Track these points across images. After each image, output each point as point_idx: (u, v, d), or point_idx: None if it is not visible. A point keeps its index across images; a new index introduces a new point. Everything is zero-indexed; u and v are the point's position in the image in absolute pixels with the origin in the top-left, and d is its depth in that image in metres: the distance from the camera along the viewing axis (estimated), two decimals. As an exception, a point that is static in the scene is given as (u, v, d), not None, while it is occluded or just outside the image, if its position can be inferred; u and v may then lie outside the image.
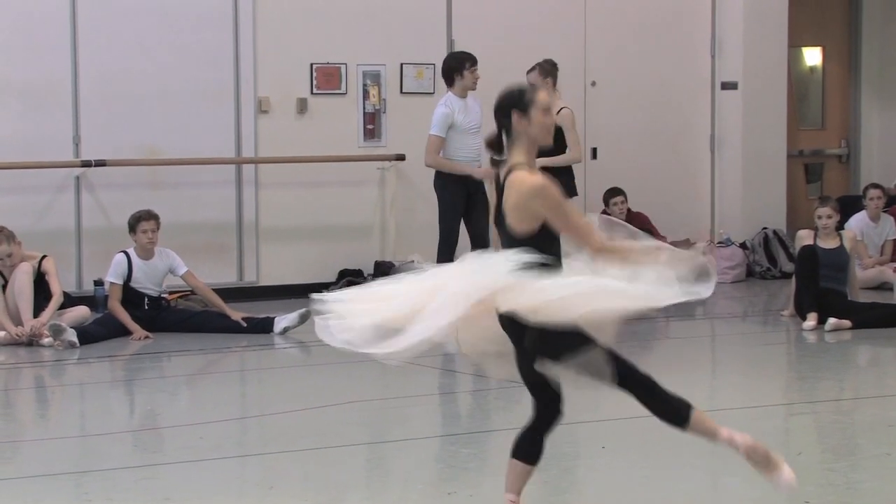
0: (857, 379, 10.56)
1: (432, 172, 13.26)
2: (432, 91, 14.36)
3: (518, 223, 5.56)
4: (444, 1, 14.51)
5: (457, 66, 12.07)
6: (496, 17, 14.57)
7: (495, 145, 5.79)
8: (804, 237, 12.36)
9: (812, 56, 17.03)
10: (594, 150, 15.03)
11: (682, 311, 13.56)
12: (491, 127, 12.50)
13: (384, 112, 14.29)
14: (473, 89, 12.09)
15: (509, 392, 9.80)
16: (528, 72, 12.23)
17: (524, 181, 5.56)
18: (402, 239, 14.26)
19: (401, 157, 14.12)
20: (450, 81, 12.16)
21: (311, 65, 14.01)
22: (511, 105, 5.69)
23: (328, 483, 7.14)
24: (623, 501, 6.71)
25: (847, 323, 11.74)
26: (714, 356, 11.77)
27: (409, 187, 14.23)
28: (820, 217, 12.21)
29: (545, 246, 5.54)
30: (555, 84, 12.11)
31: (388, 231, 14.31)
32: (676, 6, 15.58)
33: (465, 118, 12.00)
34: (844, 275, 12.17)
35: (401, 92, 14.36)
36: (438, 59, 14.30)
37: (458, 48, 13.76)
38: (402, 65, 14.32)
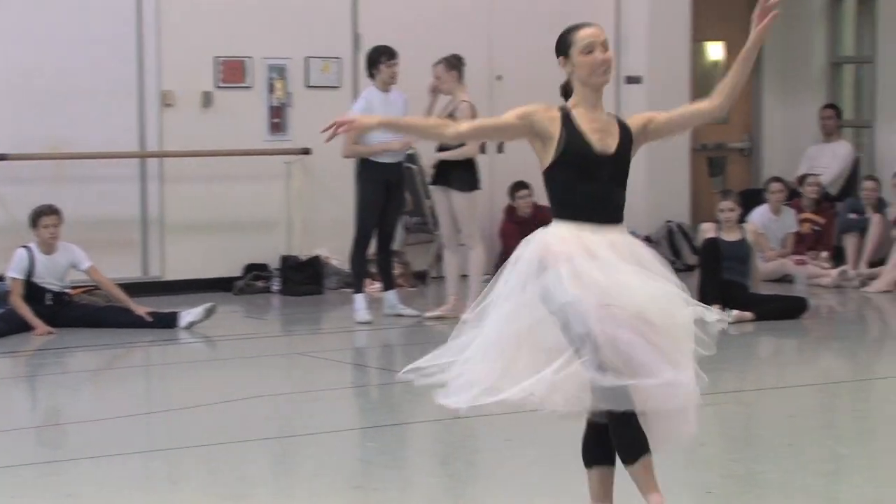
0: (759, 370, 10.68)
1: (339, 167, 13.25)
2: (339, 85, 14.33)
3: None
4: (349, -6, 14.49)
5: (375, 60, 12.06)
6: (402, 11, 14.55)
7: (563, 92, 5.67)
8: (707, 230, 12.50)
9: (715, 51, 17.19)
10: (500, 145, 15.06)
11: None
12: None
13: (290, 106, 14.24)
14: (393, 83, 12.05)
15: (415, 386, 9.82)
16: (435, 65, 12.24)
17: None
18: (309, 233, 14.23)
19: (307, 151, 14.07)
20: (371, 75, 12.14)
21: (216, 58, 13.93)
22: (556, 52, 5.62)
23: (234, 478, 7.12)
24: (525, 494, 6.74)
25: (749, 315, 11.89)
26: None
27: (315, 182, 14.20)
28: (722, 210, 12.35)
29: (559, 190, 5.45)
30: (460, 78, 12.11)
31: (294, 225, 14.26)
32: (581, 1, 15.66)
33: (385, 111, 11.91)
34: (747, 267, 12.30)
35: (307, 86, 14.31)
36: (344, 52, 14.32)
37: (364, 42, 13.75)
38: (307, 58, 14.28)
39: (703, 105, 5.76)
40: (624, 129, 5.52)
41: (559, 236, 5.36)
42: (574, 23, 5.67)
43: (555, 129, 5.43)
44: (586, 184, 5.40)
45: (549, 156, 5.43)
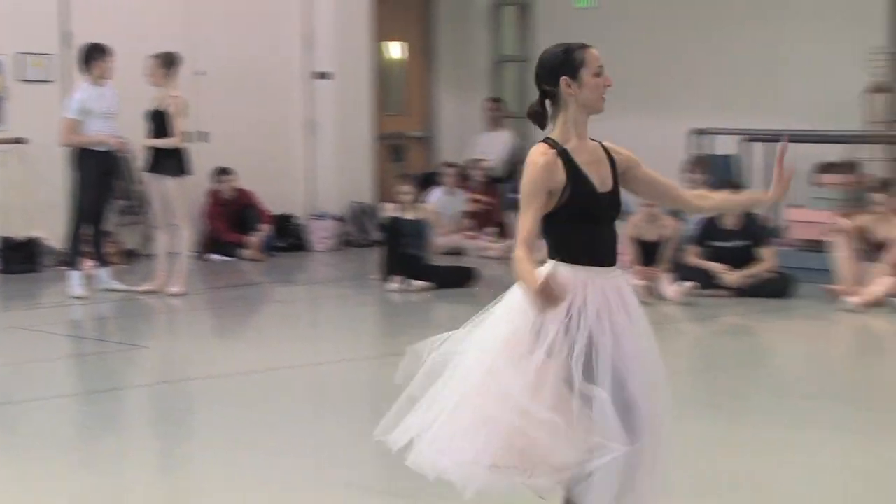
0: (436, 333, 10.82)
1: (52, 155, 12.88)
2: (52, 79, 13.90)
3: None
4: (59, -7, 14.07)
5: (90, 56, 11.79)
6: (111, 10, 14.18)
7: (537, 116, 4.60)
8: (389, 209, 12.65)
9: (396, 50, 17.36)
10: (205, 134, 14.87)
11: (283, 276, 13.67)
12: (127, 112, 12.27)
13: (5, 99, 13.74)
14: (108, 77, 11.80)
15: (128, 354, 9.67)
16: (150, 58, 12.01)
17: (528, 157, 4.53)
18: (26, 217, 13.75)
19: (21, 141, 13.63)
20: (85, 69, 11.83)
21: (-68, 54, 13.34)
22: (558, 70, 4.53)
23: (-43, 445, 6.87)
24: (229, 448, 6.71)
25: (427, 284, 12.08)
26: (315, 316, 11.89)
27: (30, 169, 13.75)
28: (401, 192, 12.51)
29: (559, 233, 4.53)
30: (171, 75, 11.91)
31: (12, 209, 13.77)
32: (272, 1, 15.58)
33: (99, 104, 11.72)
34: (424, 241, 12.50)
35: (21, 80, 13.83)
36: (55, 49, 13.90)
37: (75, 39, 13.38)
38: (20, 54, 13.80)
39: (687, 195, 4.87)
40: (611, 160, 4.61)
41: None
42: (567, 43, 4.64)
43: (559, 177, 4.46)
44: (589, 226, 4.53)
45: (552, 203, 4.48)
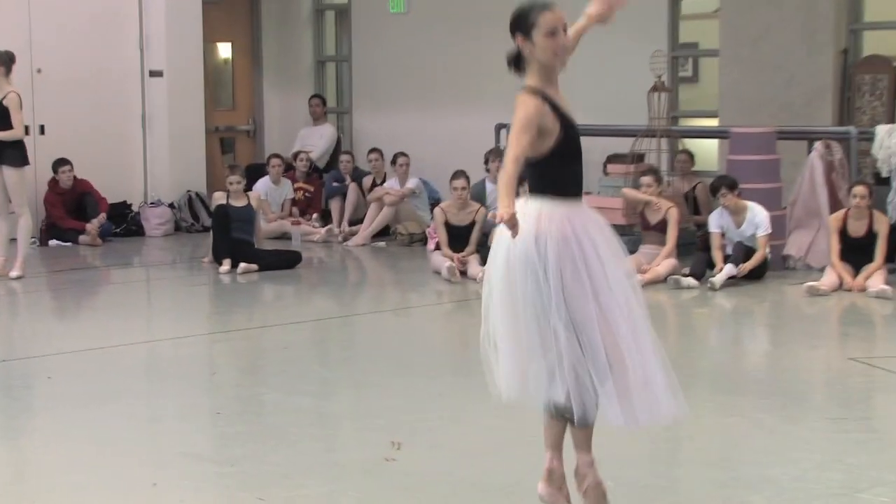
0: (263, 311, 10.88)
1: None
2: None
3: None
4: None
5: None
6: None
7: (513, 63, 4.66)
8: (219, 198, 12.60)
9: (224, 49, 17.26)
10: (42, 127, 14.62)
11: (120, 260, 13.51)
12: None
13: None
14: None
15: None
16: (-10, 55, 11.81)
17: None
18: None
19: None
20: None
21: None
22: (514, 28, 4.59)
23: None
24: (70, 419, 6.68)
25: (255, 266, 12.09)
26: (150, 297, 11.80)
27: None
28: (231, 183, 12.48)
29: (547, 172, 4.55)
30: (8, 73, 11.71)
31: None
32: (109, 4, 15.35)
33: None
34: (252, 227, 12.50)
35: None
36: None
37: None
38: None
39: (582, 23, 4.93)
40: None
41: (555, 216, 4.55)
42: (534, 1, 4.61)
43: (549, 120, 4.51)
44: (577, 162, 4.65)
45: (547, 145, 4.52)
